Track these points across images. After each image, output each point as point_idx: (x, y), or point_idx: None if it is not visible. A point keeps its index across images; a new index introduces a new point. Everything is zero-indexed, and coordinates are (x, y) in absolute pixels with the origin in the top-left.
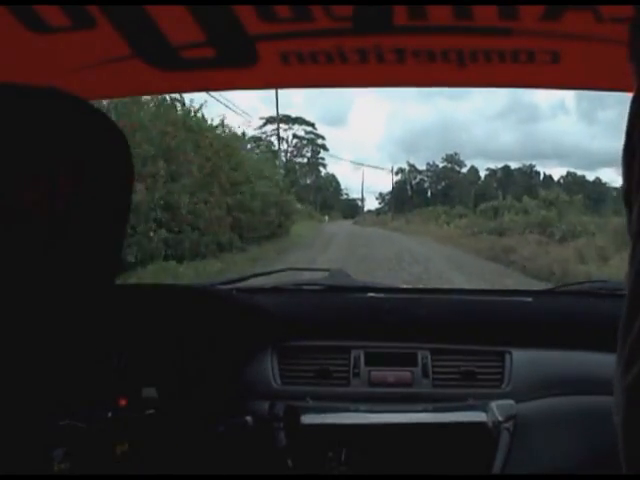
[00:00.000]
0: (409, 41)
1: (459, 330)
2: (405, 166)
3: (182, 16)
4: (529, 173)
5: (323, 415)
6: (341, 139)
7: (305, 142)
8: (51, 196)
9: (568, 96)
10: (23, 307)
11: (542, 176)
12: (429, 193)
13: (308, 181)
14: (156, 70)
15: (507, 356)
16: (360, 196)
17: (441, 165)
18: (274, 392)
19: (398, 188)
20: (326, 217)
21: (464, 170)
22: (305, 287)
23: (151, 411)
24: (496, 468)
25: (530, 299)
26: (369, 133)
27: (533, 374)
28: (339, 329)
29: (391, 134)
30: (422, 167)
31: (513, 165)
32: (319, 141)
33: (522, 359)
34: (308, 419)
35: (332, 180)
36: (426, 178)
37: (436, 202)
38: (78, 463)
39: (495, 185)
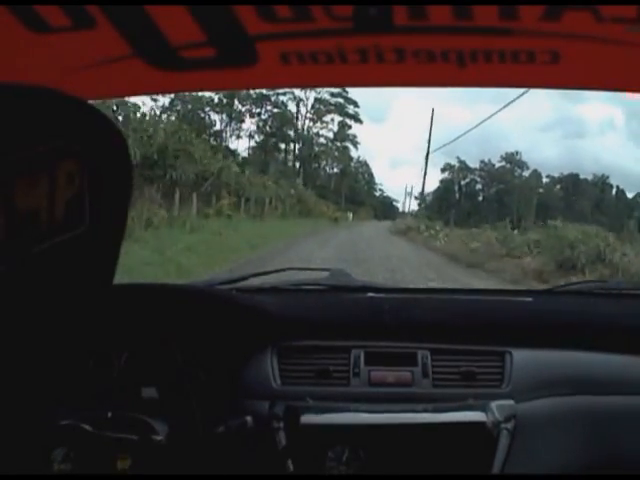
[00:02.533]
0: (409, 41)
1: (459, 330)
2: (454, 162)
3: (182, 16)
4: (600, 185)
5: (323, 415)
6: (378, 137)
7: (332, 108)
8: (51, 197)
9: (617, 114)
10: (23, 309)
11: (614, 190)
12: (480, 197)
13: (336, 169)
14: (156, 70)
15: (507, 356)
16: (397, 198)
17: (498, 165)
18: (274, 392)
19: (443, 188)
20: (349, 214)
21: (525, 173)
22: (305, 287)
23: (151, 412)
24: (496, 468)
25: (530, 299)
26: (408, 134)
27: (533, 374)
28: (339, 329)
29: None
30: (474, 165)
31: (581, 175)
32: (350, 109)
33: (522, 359)
34: (308, 419)
35: (365, 170)
36: (479, 179)
37: (488, 209)
38: (78, 463)
39: (561, 195)
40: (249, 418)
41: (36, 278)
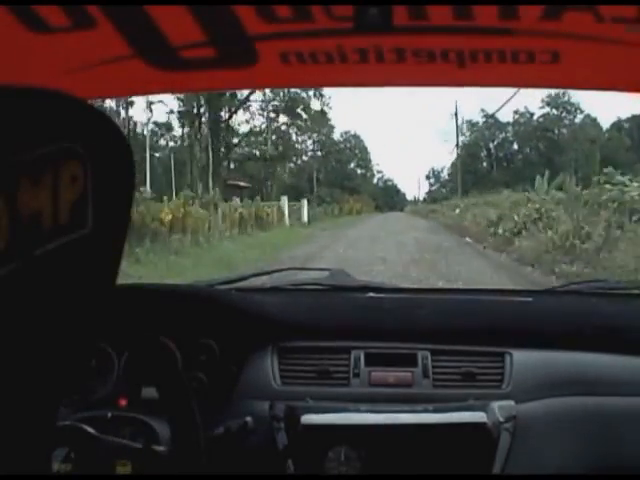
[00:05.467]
0: (409, 41)
1: (459, 330)
2: (478, 119)
3: (182, 16)
4: None
5: (323, 415)
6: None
7: None
8: (54, 198)
9: None
10: (25, 311)
11: None
12: (519, 160)
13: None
14: (156, 70)
15: (507, 356)
16: (399, 185)
17: (539, 113)
18: (274, 392)
19: (465, 155)
20: (284, 202)
21: (577, 120)
22: (305, 287)
23: (151, 412)
24: (496, 468)
25: (530, 299)
26: (395, 113)
27: (533, 375)
28: (339, 329)
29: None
30: (508, 119)
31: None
32: None
33: (522, 360)
34: (308, 419)
35: (356, 143)
36: (513, 137)
37: (531, 176)
38: (79, 463)
39: (628, 145)
40: (249, 418)
41: (39, 280)
